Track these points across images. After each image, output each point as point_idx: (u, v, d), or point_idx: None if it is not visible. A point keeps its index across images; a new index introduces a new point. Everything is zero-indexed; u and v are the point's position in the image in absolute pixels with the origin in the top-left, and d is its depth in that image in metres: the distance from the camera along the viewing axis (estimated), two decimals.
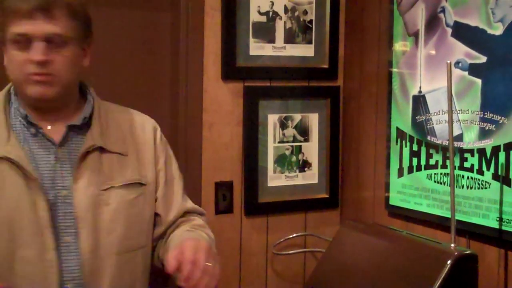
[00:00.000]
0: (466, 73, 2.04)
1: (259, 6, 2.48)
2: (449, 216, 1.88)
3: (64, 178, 1.60)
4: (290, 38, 2.54)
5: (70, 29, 1.58)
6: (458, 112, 2.06)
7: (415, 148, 2.26)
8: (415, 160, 2.26)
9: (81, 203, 1.60)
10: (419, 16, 2.24)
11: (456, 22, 2.09)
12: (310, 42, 2.58)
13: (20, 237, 1.55)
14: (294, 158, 2.58)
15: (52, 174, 1.60)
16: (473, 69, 2.02)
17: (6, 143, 1.57)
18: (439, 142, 2.17)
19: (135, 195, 1.69)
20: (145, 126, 1.79)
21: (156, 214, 1.76)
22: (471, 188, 2.03)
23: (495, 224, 1.95)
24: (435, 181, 2.18)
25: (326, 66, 2.60)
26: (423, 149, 2.23)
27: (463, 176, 2.05)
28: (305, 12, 2.56)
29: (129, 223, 1.67)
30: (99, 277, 1.61)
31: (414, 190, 2.27)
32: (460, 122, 2.06)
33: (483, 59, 1.99)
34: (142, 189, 1.71)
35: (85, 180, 1.61)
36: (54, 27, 1.54)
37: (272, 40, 2.52)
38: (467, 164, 2.04)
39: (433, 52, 2.18)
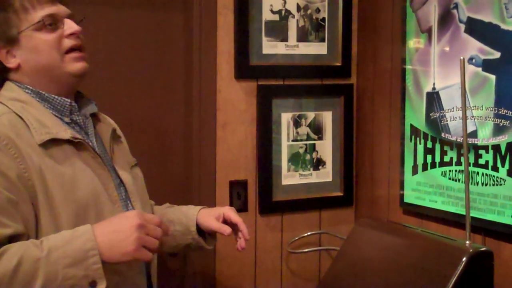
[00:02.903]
0: (479, 69, 2.03)
1: (271, 5, 2.48)
2: (464, 213, 1.88)
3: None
4: (303, 36, 2.54)
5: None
6: (472, 108, 2.05)
7: (429, 145, 2.25)
8: (429, 157, 2.25)
9: (128, 179, 1.72)
10: (432, 12, 2.23)
11: (469, 18, 2.08)
12: (323, 40, 2.58)
13: (103, 214, 1.58)
14: (308, 157, 2.58)
15: None
16: (487, 65, 2.01)
17: (62, 128, 1.59)
18: (453, 139, 2.16)
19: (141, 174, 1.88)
20: (111, 120, 1.89)
21: None
22: (486, 185, 2.02)
23: (510, 221, 1.94)
24: (449, 178, 2.17)
25: (339, 64, 2.60)
26: (438, 146, 2.22)
27: (478, 173, 2.05)
28: (318, 10, 2.56)
29: (147, 196, 1.87)
30: None
31: (428, 187, 2.26)
32: (474, 119, 2.05)
33: (496, 55, 1.98)
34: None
35: (119, 160, 1.74)
36: (68, 10, 1.65)
37: (285, 39, 2.52)
38: (481, 161, 2.03)
39: (447, 48, 2.17)
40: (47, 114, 1.59)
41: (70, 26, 1.60)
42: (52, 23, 1.59)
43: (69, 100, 1.63)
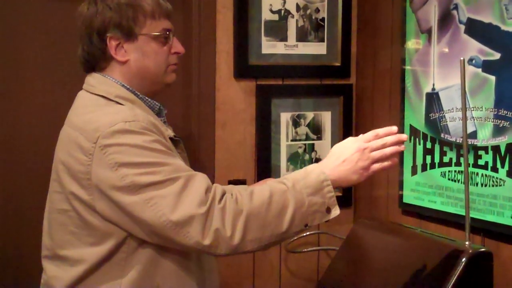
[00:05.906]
0: (479, 70, 2.03)
1: (271, 5, 2.48)
2: (464, 214, 1.87)
3: None
4: (302, 36, 2.54)
5: None
6: (472, 109, 2.05)
7: (428, 145, 2.25)
8: (428, 158, 2.25)
9: None
10: (431, 13, 2.23)
11: (469, 19, 2.08)
12: (322, 40, 2.58)
13: None
14: (307, 156, 2.58)
15: None
16: (487, 66, 2.01)
17: (164, 126, 1.72)
18: (453, 139, 2.16)
19: None
20: None
21: None
22: (486, 185, 2.02)
23: (509, 222, 1.94)
24: (449, 179, 2.17)
25: (338, 64, 2.60)
26: (437, 147, 2.22)
27: (477, 174, 2.05)
28: (317, 10, 2.56)
29: None
30: None
31: (428, 188, 2.26)
32: (474, 120, 2.05)
33: (496, 56, 1.98)
34: None
35: None
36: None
37: (284, 39, 2.52)
38: (481, 162, 2.03)
39: (446, 49, 2.17)
40: (151, 113, 1.70)
41: (178, 45, 1.75)
42: (167, 37, 1.71)
43: (158, 104, 1.75)
